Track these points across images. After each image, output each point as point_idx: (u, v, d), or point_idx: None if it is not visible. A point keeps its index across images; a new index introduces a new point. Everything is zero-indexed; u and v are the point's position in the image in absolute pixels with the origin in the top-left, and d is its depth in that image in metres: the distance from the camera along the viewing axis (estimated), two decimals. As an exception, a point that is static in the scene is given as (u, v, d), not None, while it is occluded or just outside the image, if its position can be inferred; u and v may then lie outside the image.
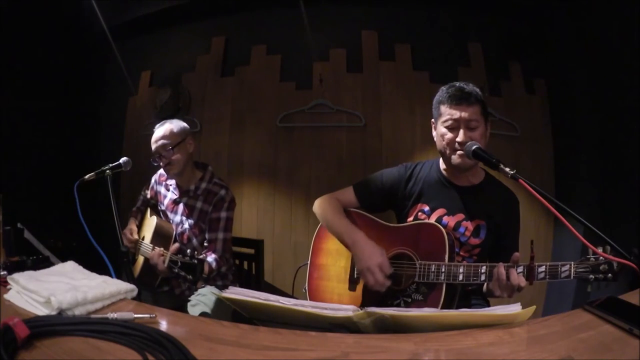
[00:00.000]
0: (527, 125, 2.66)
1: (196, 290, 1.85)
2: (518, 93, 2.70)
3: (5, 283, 0.96)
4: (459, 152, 1.32)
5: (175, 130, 1.87)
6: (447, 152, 1.35)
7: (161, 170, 2.03)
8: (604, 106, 2.31)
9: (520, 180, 1.10)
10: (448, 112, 1.33)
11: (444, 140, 1.35)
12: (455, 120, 1.31)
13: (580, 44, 2.45)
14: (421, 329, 0.86)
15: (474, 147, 1.27)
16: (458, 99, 1.31)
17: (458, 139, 1.31)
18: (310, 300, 1.45)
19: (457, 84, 1.36)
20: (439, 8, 2.74)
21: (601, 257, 1.04)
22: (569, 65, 2.55)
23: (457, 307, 1.28)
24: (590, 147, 2.42)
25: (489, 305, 1.43)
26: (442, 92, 1.38)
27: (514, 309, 0.86)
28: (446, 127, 1.34)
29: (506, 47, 2.70)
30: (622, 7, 2.07)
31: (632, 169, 2.04)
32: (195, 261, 1.41)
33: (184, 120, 1.98)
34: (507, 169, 1.15)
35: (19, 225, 1.60)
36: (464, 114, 1.30)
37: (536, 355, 0.72)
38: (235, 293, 0.99)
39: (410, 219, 1.46)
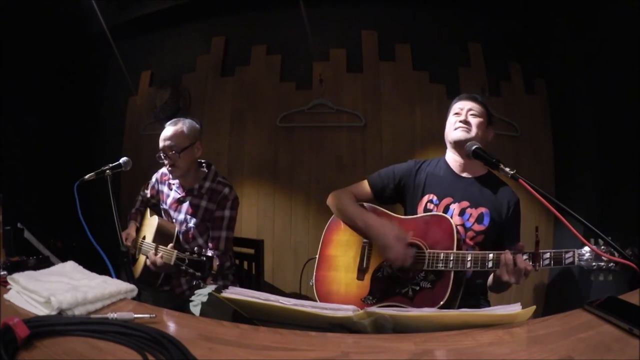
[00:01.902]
0: (527, 125, 2.66)
1: (197, 288, 1.85)
2: (518, 93, 2.70)
3: (5, 283, 0.96)
4: (460, 128, 1.52)
5: (186, 132, 1.85)
6: (451, 130, 1.55)
7: (163, 169, 2.02)
8: (603, 106, 2.31)
9: (520, 180, 1.12)
10: (458, 104, 1.59)
11: (449, 123, 1.58)
12: (461, 108, 1.57)
13: (580, 44, 2.45)
14: (421, 329, 0.86)
15: (474, 147, 1.36)
16: (467, 97, 1.60)
17: (460, 118, 1.54)
18: (317, 290, 1.49)
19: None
20: (438, 8, 2.74)
21: (603, 246, 1.07)
22: (569, 65, 2.55)
23: (466, 306, 1.29)
24: (590, 146, 2.42)
25: (489, 306, 1.44)
26: (459, 96, 1.64)
27: (514, 309, 0.86)
28: (454, 114, 1.57)
29: (506, 47, 2.70)
30: (622, 7, 2.07)
31: (631, 169, 2.04)
32: (204, 258, 1.42)
33: None
34: (507, 169, 1.18)
35: (19, 225, 1.59)
36: (468, 105, 1.57)
37: (536, 355, 0.72)
38: (235, 293, 0.99)
39: (420, 209, 1.54)
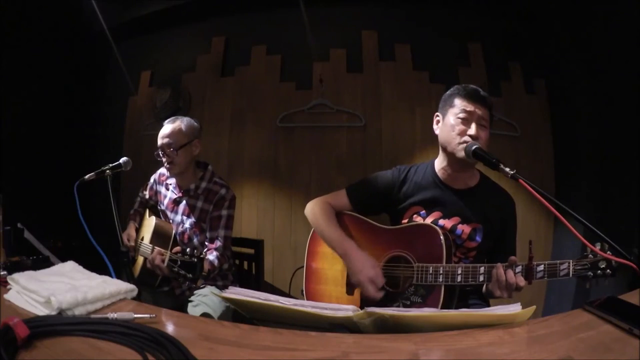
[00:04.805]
0: (527, 125, 2.65)
1: (197, 289, 1.86)
2: (518, 93, 2.70)
3: (5, 283, 0.96)
4: (469, 144, 1.31)
5: (184, 129, 1.85)
6: (455, 142, 1.34)
7: (161, 170, 2.02)
8: (603, 106, 2.31)
9: (520, 180, 1.11)
10: (464, 105, 1.35)
11: (453, 131, 1.34)
12: (469, 113, 1.34)
13: (580, 44, 2.45)
14: (421, 329, 0.86)
15: (474, 147, 1.28)
16: (475, 97, 1.35)
17: (470, 132, 1.32)
18: None
19: (472, 86, 1.40)
20: (439, 8, 2.74)
21: (599, 254, 1.04)
22: (569, 65, 2.55)
23: (456, 308, 1.28)
24: (590, 146, 2.42)
25: (488, 305, 1.43)
26: (458, 88, 1.40)
27: (514, 309, 0.86)
28: (459, 118, 1.35)
29: (506, 47, 2.70)
30: (622, 7, 2.07)
31: (631, 169, 2.04)
32: (195, 259, 1.42)
33: None
34: (507, 169, 1.16)
35: (19, 225, 1.60)
36: (479, 111, 1.34)
37: (536, 355, 0.72)
38: (235, 293, 0.99)
39: (405, 221, 1.45)
